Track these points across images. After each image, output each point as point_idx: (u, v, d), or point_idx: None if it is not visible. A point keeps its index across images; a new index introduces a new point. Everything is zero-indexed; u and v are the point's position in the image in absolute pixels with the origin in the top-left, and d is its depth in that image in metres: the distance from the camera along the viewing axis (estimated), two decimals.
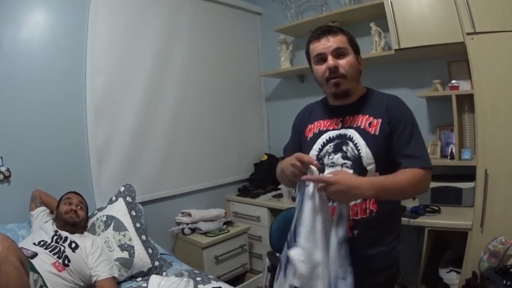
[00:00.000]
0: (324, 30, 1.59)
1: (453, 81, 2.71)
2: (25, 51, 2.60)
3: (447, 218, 2.51)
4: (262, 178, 3.99)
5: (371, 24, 3.15)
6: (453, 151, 2.71)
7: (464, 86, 2.68)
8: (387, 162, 1.52)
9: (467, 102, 2.64)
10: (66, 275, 2.04)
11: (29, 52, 2.62)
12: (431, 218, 2.55)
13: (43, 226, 2.34)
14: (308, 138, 1.72)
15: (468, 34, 2.39)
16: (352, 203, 1.52)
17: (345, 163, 1.55)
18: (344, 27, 3.29)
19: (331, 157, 1.59)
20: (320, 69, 1.58)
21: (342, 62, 1.54)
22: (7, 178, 2.50)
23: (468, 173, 2.58)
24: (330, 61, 1.54)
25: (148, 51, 3.27)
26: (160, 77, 3.36)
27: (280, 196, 3.68)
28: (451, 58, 2.85)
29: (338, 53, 1.55)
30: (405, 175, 1.44)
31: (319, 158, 1.63)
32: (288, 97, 4.21)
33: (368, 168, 1.52)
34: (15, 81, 2.55)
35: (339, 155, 1.57)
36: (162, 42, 3.38)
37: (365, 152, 1.52)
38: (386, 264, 1.58)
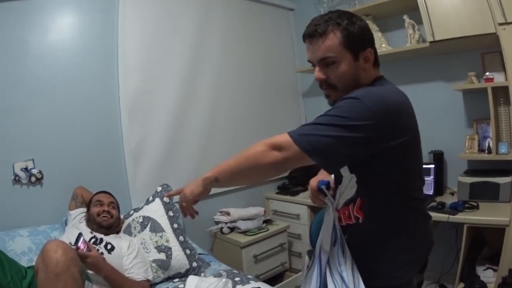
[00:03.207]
0: (310, 34, 1.30)
1: (487, 73, 2.64)
2: (53, 53, 2.64)
3: (485, 214, 2.44)
4: (302, 175, 3.93)
5: (405, 17, 3.11)
6: (490, 145, 2.64)
7: (498, 78, 2.61)
8: (364, 168, 1.32)
9: (502, 94, 2.57)
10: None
11: (58, 55, 2.66)
12: (470, 215, 2.48)
13: (78, 226, 2.34)
14: None
15: (500, 24, 2.34)
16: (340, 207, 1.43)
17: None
18: (377, 21, 3.36)
19: None
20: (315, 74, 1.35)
21: (332, 73, 1.30)
22: (39, 180, 2.53)
23: (506, 168, 2.51)
24: (316, 73, 1.32)
25: (180, 50, 3.28)
26: (193, 75, 3.36)
27: None
28: (485, 50, 2.77)
29: (326, 63, 1.29)
30: (245, 151, 1.36)
31: None
32: None
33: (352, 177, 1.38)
34: (45, 83, 2.59)
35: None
36: (193, 40, 3.38)
37: None
38: (387, 285, 1.31)
